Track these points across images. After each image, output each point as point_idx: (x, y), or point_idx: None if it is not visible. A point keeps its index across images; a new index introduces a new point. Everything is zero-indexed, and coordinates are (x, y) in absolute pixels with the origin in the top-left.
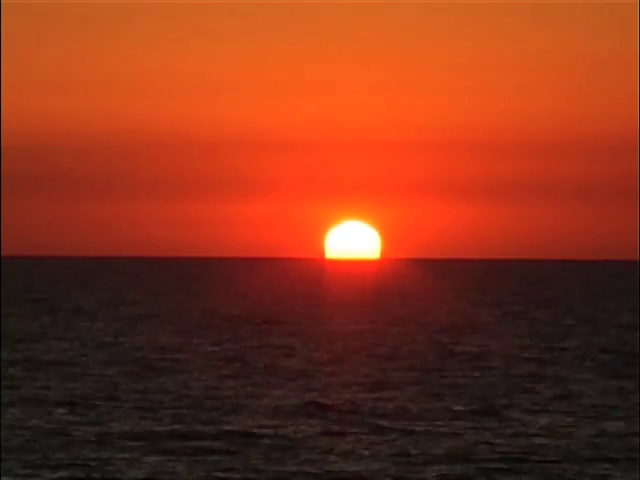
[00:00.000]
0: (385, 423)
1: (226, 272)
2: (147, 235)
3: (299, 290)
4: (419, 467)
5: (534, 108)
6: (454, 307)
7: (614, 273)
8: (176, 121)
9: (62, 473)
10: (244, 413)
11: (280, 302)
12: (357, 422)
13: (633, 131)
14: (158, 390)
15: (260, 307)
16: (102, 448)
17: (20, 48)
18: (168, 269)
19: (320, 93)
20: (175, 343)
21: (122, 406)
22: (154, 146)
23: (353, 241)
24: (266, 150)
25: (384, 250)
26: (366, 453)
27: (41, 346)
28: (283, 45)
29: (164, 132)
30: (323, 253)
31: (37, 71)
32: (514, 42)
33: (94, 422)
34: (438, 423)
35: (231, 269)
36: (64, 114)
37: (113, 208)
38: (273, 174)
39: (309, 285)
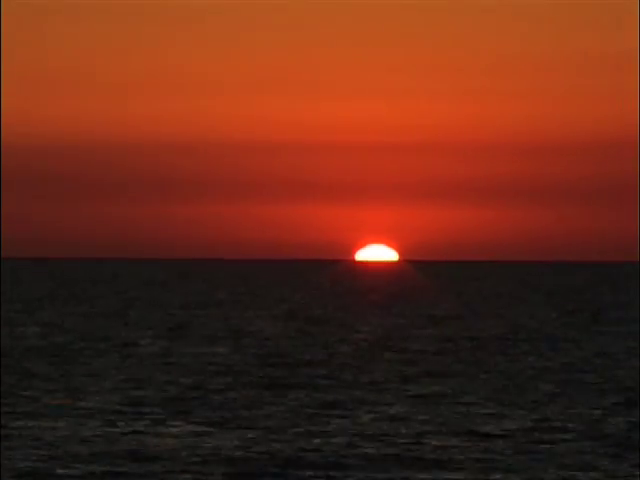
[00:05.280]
0: None
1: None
2: (171, 237)
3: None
4: None
5: (536, 109)
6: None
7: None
8: (198, 122)
9: None
10: None
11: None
12: None
13: (633, 132)
14: None
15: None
16: None
17: (20, 48)
18: (216, 269)
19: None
20: None
21: None
22: (164, 146)
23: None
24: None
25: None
26: None
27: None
28: (303, 47)
29: (180, 133)
30: (354, 256)
31: (37, 71)
32: (514, 43)
33: None
34: None
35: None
36: (64, 114)
37: (115, 208)
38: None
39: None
